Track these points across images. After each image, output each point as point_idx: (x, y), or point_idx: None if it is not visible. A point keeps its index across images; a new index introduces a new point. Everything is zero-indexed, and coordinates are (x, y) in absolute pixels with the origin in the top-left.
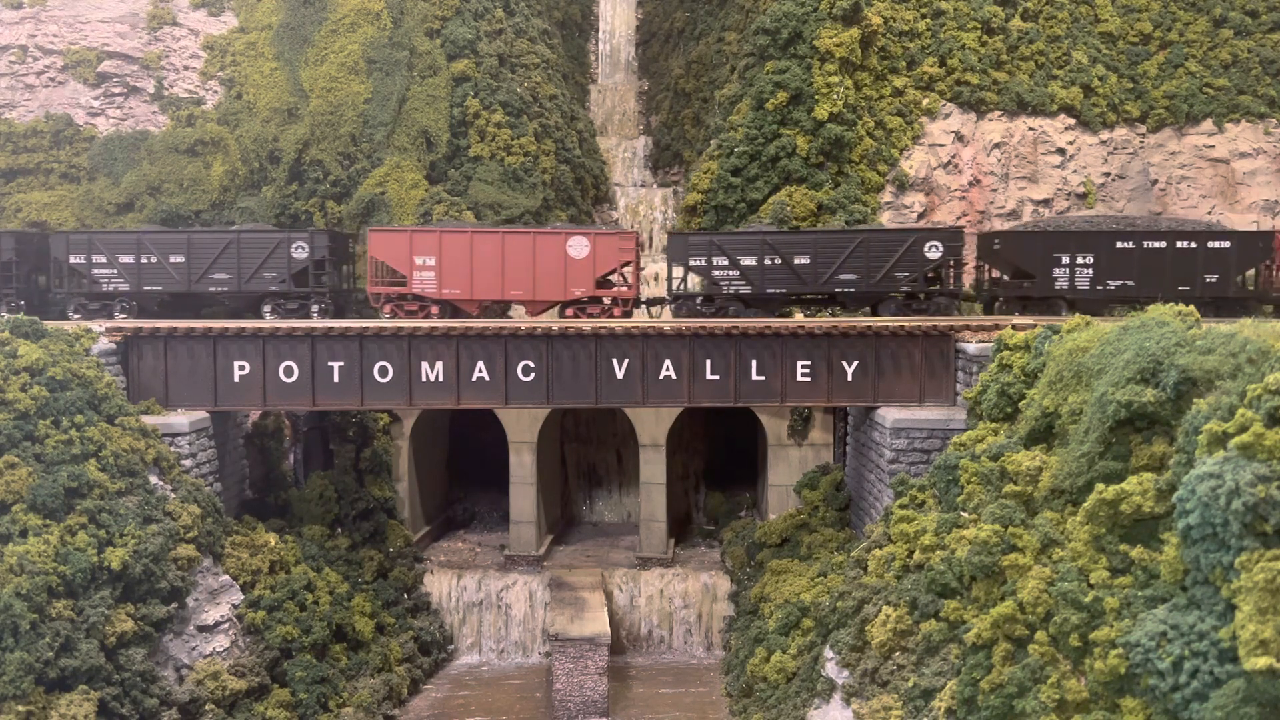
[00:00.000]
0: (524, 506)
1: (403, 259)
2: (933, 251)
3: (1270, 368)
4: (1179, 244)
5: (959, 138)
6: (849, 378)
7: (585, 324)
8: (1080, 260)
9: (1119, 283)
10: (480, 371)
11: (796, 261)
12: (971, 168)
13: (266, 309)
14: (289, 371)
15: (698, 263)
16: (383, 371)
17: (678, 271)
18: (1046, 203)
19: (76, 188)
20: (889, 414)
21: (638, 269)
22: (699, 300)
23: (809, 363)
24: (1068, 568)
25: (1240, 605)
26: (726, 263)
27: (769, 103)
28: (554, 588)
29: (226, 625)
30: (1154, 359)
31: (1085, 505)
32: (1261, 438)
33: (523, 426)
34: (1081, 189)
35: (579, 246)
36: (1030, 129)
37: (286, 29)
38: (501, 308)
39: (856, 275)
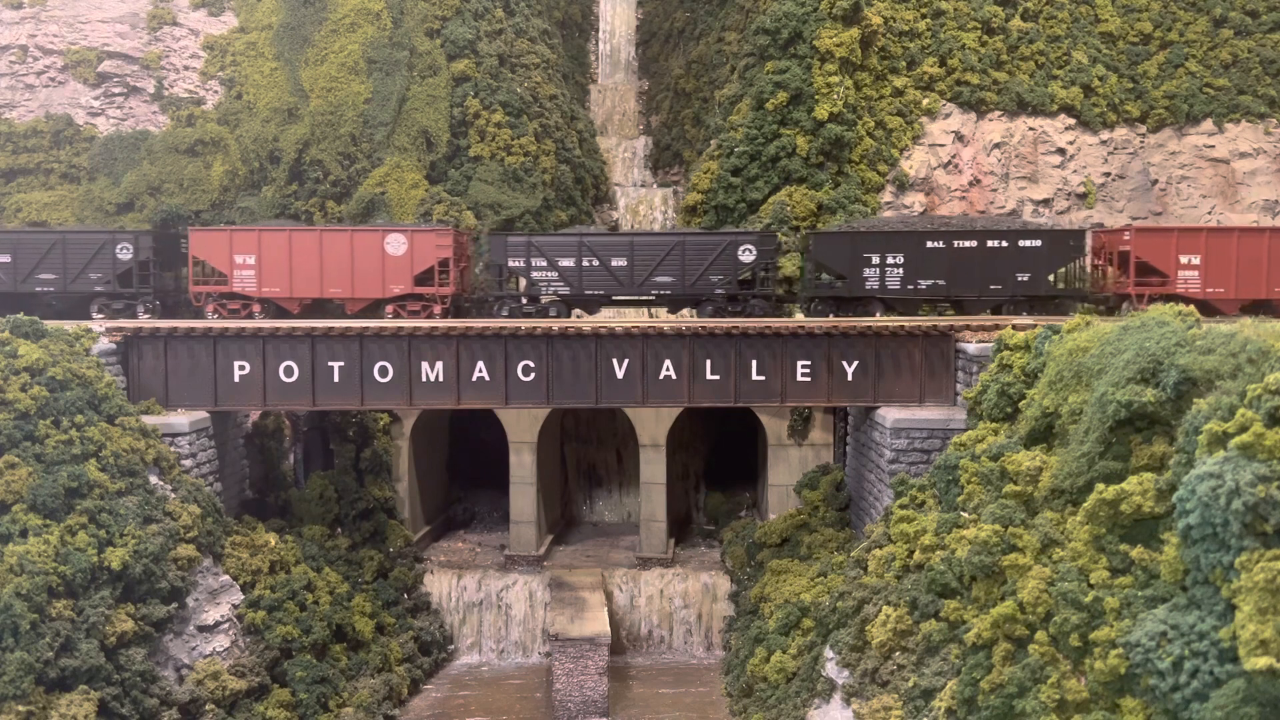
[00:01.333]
0: (524, 506)
1: (223, 258)
2: (746, 255)
3: (1270, 368)
4: (990, 243)
5: (959, 138)
6: (849, 378)
7: (585, 324)
8: (891, 260)
9: (930, 282)
10: (480, 371)
11: (614, 264)
12: (972, 168)
13: (93, 309)
14: (289, 371)
15: (517, 264)
16: (383, 371)
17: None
18: (1047, 202)
19: (76, 188)
20: (889, 414)
21: (459, 266)
22: (522, 300)
23: (809, 363)
24: (1068, 568)
25: (1240, 605)
26: (545, 264)
27: (769, 103)
28: (554, 588)
29: (226, 625)
30: (1154, 359)
31: (1085, 505)
32: (1261, 438)
33: (523, 426)
34: (1082, 189)
35: (396, 244)
36: (1030, 129)
37: (286, 29)
38: (323, 305)
39: (673, 278)
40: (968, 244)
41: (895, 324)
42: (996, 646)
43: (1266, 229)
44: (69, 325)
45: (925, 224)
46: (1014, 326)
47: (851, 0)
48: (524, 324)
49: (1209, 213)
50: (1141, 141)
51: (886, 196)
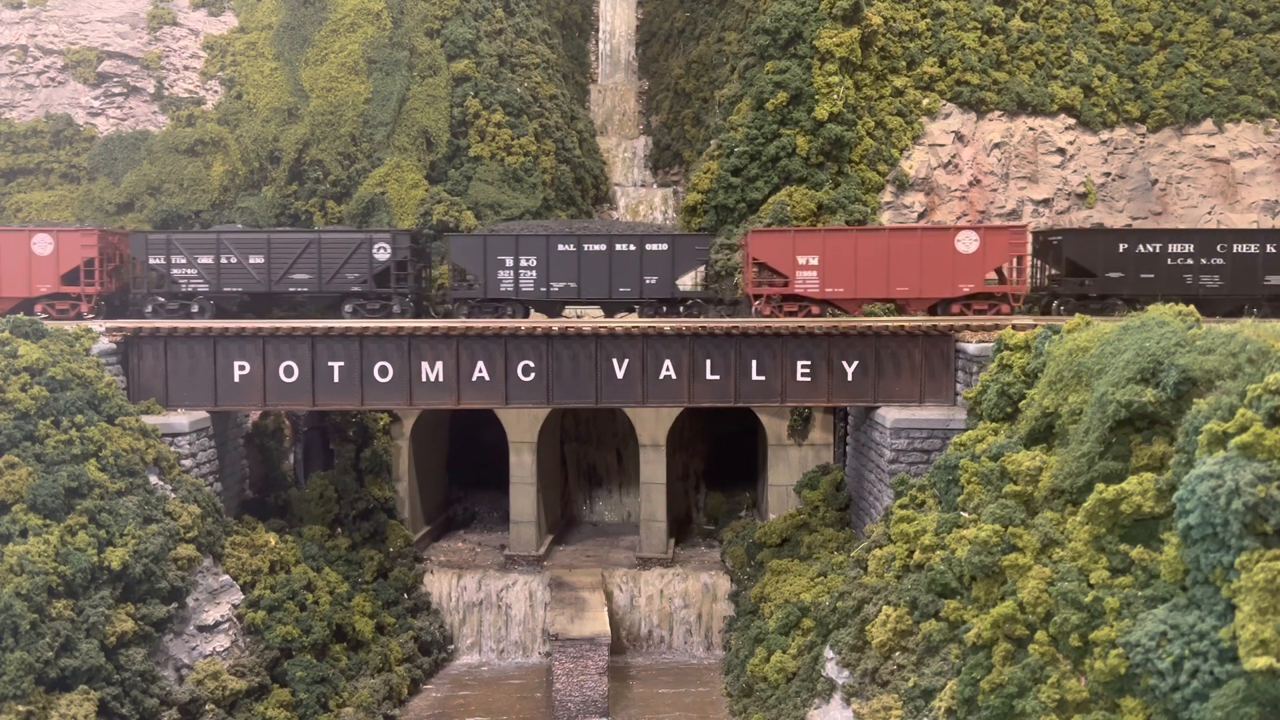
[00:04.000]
0: (524, 506)
1: None
2: (381, 253)
3: (1270, 368)
4: (618, 246)
5: (959, 138)
6: (849, 378)
7: (585, 324)
8: (524, 263)
9: (562, 284)
10: (480, 371)
11: (252, 261)
12: (972, 168)
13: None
14: (289, 371)
15: (157, 261)
16: (383, 371)
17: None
18: (1047, 203)
19: (76, 188)
20: (889, 414)
21: (108, 265)
22: (163, 299)
23: (809, 363)
24: (1068, 568)
25: (1240, 605)
26: (185, 261)
27: (769, 103)
28: (554, 588)
29: (226, 625)
30: (1154, 359)
31: (1085, 505)
32: (1261, 438)
33: (523, 426)
34: (1082, 189)
35: (43, 244)
36: (1030, 129)
37: (286, 29)
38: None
39: (309, 275)
40: (597, 247)
41: (895, 324)
42: (996, 646)
43: (885, 228)
44: (69, 325)
45: (558, 227)
46: (1014, 326)
47: (851, 0)
48: (524, 324)
49: (1209, 213)
50: (1141, 141)
51: (886, 196)
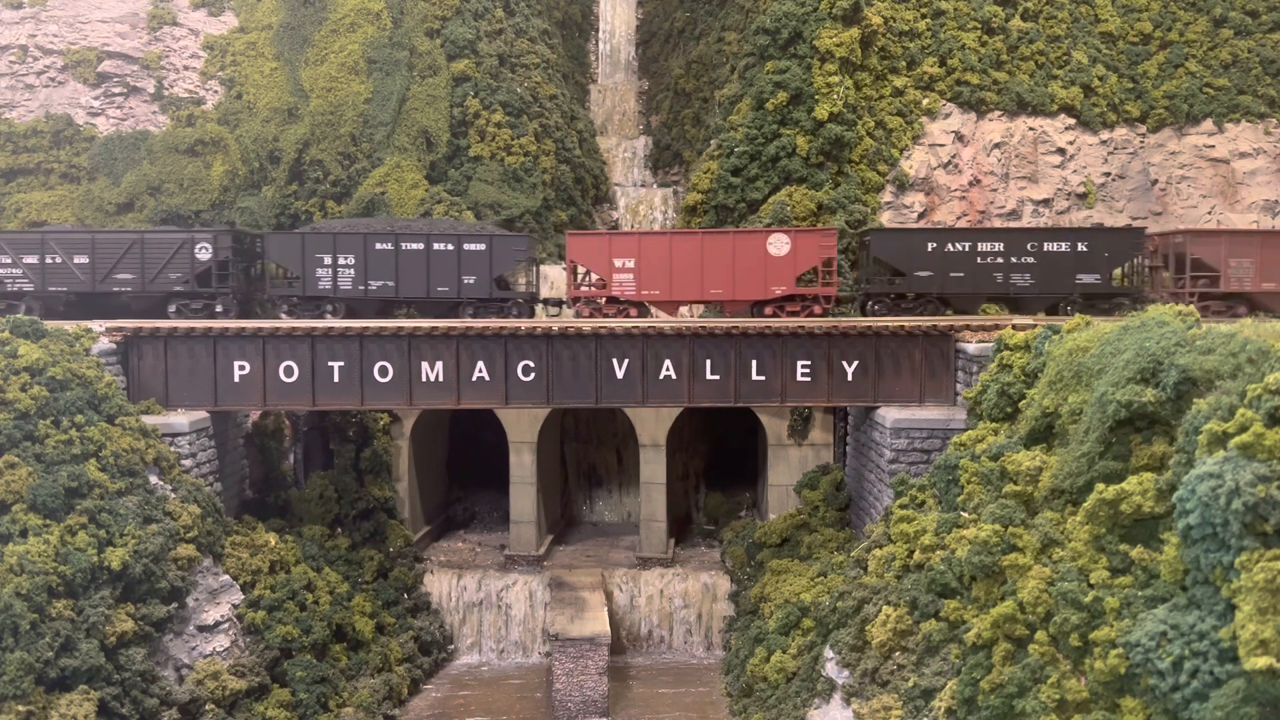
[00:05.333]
0: (524, 506)
1: None
2: (203, 253)
3: (1270, 367)
4: (436, 246)
5: (959, 138)
6: (849, 378)
7: (585, 324)
8: (343, 261)
9: (380, 283)
10: (480, 371)
11: (77, 260)
12: (972, 168)
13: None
14: (289, 371)
15: None
16: (383, 371)
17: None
18: (1047, 203)
19: (76, 188)
20: (889, 414)
21: None
22: None
23: (809, 363)
24: (1068, 568)
25: (1240, 605)
26: (10, 261)
27: (769, 103)
28: (554, 588)
29: (226, 625)
30: (1154, 359)
31: (1085, 505)
32: (1261, 438)
33: (523, 426)
34: (1082, 189)
35: None
36: (1030, 129)
37: (286, 29)
38: None
39: (133, 275)
40: (415, 246)
41: (895, 324)
42: (996, 646)
43: (699, 231)
44: (69, 325)
45: (379, 226)
46: (1014, 326)
47: (851, 0)
48: (524, 324)
49: (1209, 213)
50: (1141, 141)
51: (886, 196)
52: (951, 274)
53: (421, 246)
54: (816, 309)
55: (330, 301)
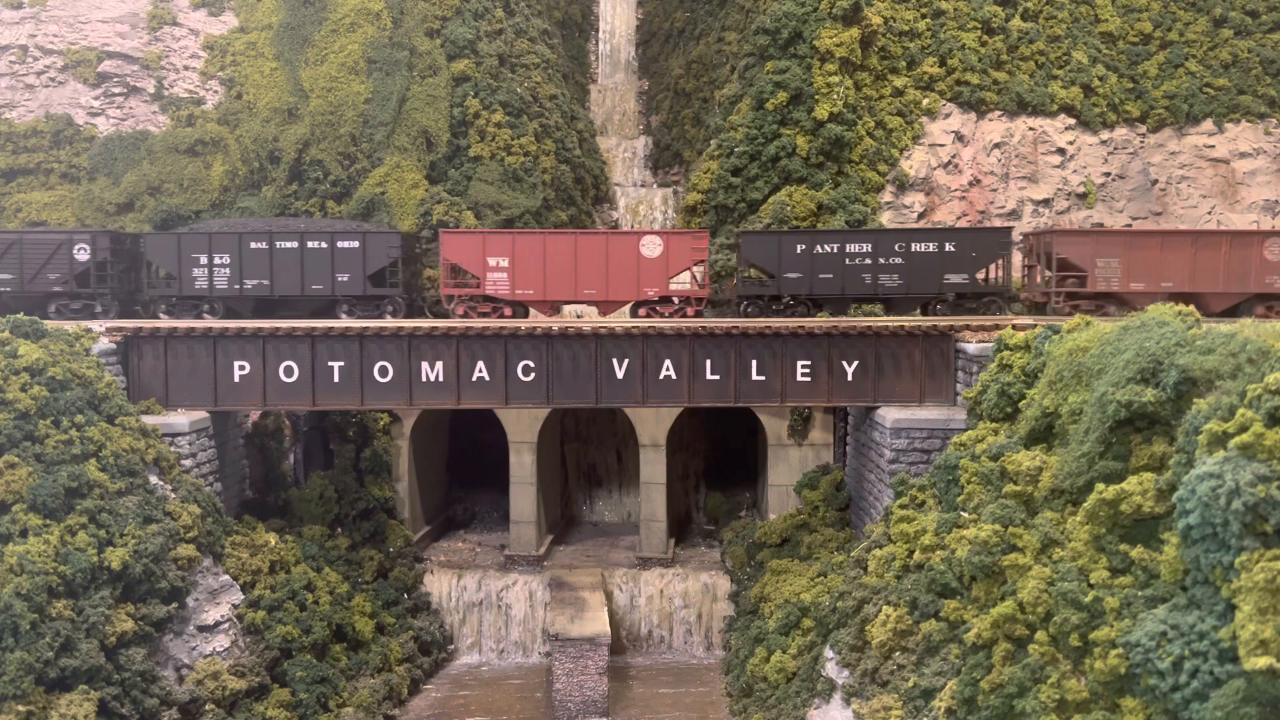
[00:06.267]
0: (524, 506)
1: None
2: (81, 254)
3: (1270, 368)
4: (310, 244)
5: (959, 138)
6: (849, 378)
7: (585, 324)
8: (218, 261)
9: (255, 282)
10: (480, 371)
11: None
12: (972, 168)
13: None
14: (289, 371)
15: None
16: (383, 371)
17: None
18: (1047, 203)
19: (76, 188)
20: (889, 414)
21: None
22: None
23: (809, 363)
24: (1068, 568)
25: (1240, 605)
26: None
27: (769, 103)
28: (554, 588)
29: (226, 625)
30: (1154, 359)
31: (1085, 505)
32: (1261, 438)
33: (523, 426)
34: (1081, 189)
35: None
36: (1030, 129)
37: (286, 29)
38: None
39: (12, 276)
40: (289, 245)
41: (895, 324)
42: (996, 646)
43: (573, 232)
44: (69, 325)
45: (257, 225)
46: (1014, 326)
47: (851, 0)
48: (524, 324)
49: (1209, 213)
50: (1141, 141)
51: (886, 196)
52: (820, 275)
53: (296, 245)
54: (690, 310)
55: (207, 301)
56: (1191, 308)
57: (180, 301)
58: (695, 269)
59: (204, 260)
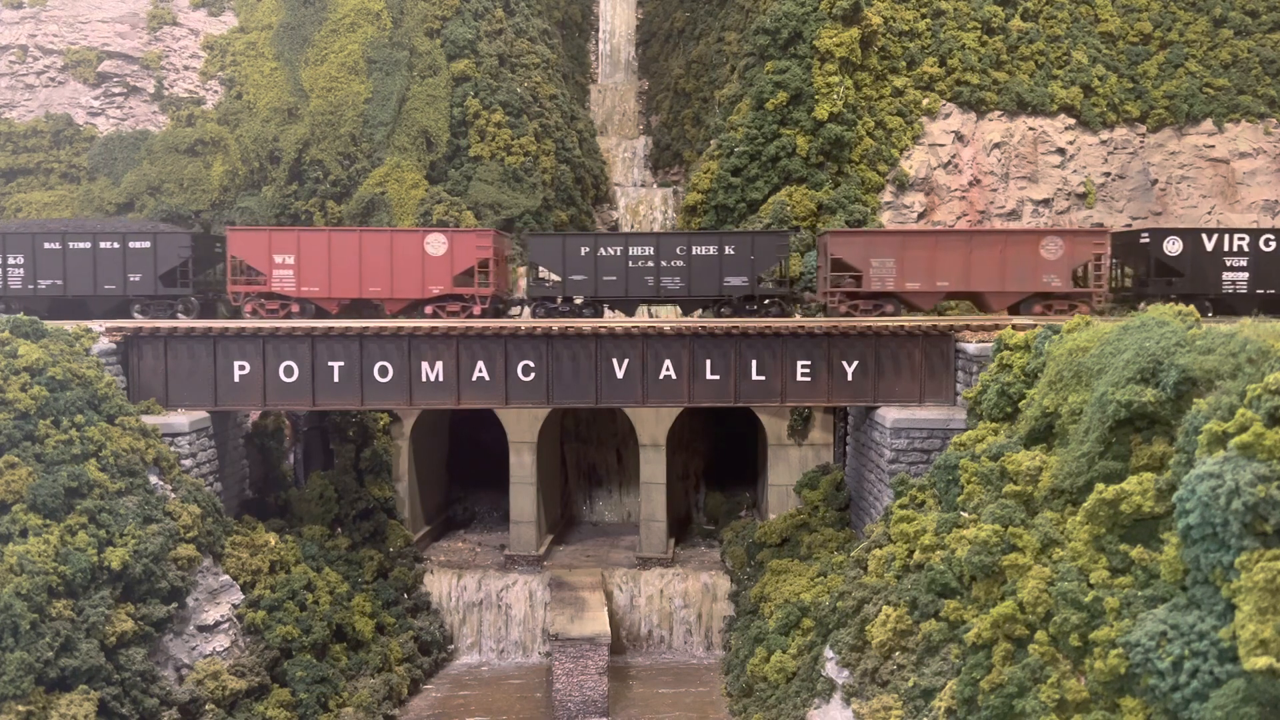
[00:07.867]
0: (524, 506)
1: None
2: None
3: (1270, 367)
4: (102, 244)
5: (959, 138)
6: (849, 378)
7: (585, 324)
8: (12, 261)
9: (49, 282)
10: (480, 371)
11: None
12: (971, 168)
13: None
14: (289, 371)
15: None
16: (383, 371)
17: None
18: (1047, 203)
19: (76, 188)
20: (889, 414)
21: None
22: None
23: (809, 363)
24: (1068, 568)
25: (1240, 605)
26: None
27: (769, 103)
28: (554, 588)
29: (226, 625)
30: (1154, 359)
31: (1085, 505)
32: (1261, 437)
33: (523, 426)
34: (1081, 189)
35: None
36: (1030, 129)
37: (286, 29)
38: None
39: None
40: (82, 245)
41: (895, 324)
42: (996, 646)
43: (358, 230)
44: (69, 325)
45: (52, 226)
46: (1014, 326)
47: (851, 0)
48: (524, 324)
49: (1209, 213)
50: (1141, 141)
51: (886, 196)
52: (604, 278)
53: (89, 245)
54: (476, 309)
55: (2, 301)
56: (1185, 309)
57: None
58: (479, 267)
59: None
